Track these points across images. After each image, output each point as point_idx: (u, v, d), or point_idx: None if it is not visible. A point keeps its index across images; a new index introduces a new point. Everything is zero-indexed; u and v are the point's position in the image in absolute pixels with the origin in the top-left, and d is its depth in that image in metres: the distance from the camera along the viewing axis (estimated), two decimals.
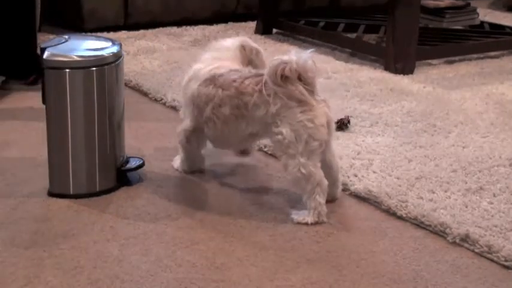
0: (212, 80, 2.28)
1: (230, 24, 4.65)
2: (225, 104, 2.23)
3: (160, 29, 4.46)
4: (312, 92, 2.12)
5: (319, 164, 2.15)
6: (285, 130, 2.12)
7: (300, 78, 2.09)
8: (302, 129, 2.10)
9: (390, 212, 2.24)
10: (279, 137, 2.13)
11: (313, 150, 2.11)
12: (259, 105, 2.15)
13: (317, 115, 2.11)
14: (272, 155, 2.62)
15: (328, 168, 2.22)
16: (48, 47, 2.25)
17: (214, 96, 2.25)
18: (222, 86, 2.24)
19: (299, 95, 2.09)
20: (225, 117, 2.24)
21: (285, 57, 2.10)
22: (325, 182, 2.15)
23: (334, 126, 2.23)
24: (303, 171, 2.12)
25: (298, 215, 2.17)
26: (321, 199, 2.14)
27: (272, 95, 2.12)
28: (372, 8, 4.73)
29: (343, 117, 2.88)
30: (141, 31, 4.38)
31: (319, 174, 2.14)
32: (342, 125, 2.84)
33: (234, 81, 2.22)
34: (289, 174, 2.17)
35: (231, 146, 2.45)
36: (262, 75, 2.16)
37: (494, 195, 2.33)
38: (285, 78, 2.08)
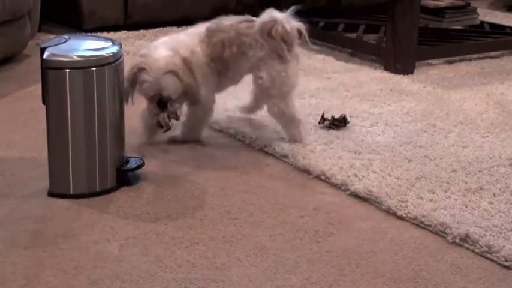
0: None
1: None
2: (232, 45, 2.61)
3: (160, 29, 4.44)
4: (289, 50, 2.57)
5: (292, 103, 2.65)
6: (264, 76, 2.60)
7: (282, 38, 2.54)
8: (277, 77, 2.59)
9: (390, 212, 2.24)
10: (260, 81, 2.62)
11: (285, 93, 2.62)
12: (253, 47, 2.59)
13: (290, 67, 2.60)
14: (272, 155, 2.63)
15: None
16: (48, 47, 2.25)
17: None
18: (224, 30, 2.64)
19: (279, 50, 2.56)
20: (234, 55, 2.61)
21: (275, 16, 2.54)
22: (297, 117, 2.66)
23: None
24: (276, 109, 2.64)
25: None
26: (294, 129, 2.67)
27: (260, 43, 2.57)
28: (372, 8, 4.73)
29: (337, 116, 2.87)
30: (141, 31, 4.37)
31: (291, 112, 2.64)
32: (335, 121, 2.83)
33: (232, 25, 2.63)
34: (269, 113, 2.70)
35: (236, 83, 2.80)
36: (253, 21, 2.61)
37: (494, 195, 2.33)
38: (270, 35, 2.55)
